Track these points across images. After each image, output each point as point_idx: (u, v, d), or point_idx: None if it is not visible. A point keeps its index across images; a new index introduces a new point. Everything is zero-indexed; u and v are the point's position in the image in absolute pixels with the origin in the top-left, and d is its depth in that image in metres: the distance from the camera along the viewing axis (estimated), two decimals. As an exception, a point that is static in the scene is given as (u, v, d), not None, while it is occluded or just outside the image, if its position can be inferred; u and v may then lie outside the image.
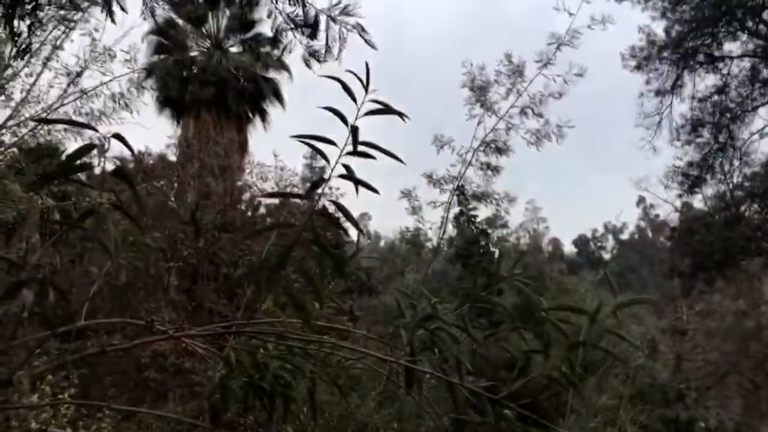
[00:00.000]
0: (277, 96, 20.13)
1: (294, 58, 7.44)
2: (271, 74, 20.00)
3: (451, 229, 25.02)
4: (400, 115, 1.89)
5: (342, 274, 2.56)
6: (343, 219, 1.90)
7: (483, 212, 24.40)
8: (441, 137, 11.39)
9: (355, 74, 1.82)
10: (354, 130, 1.78)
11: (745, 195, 16.84)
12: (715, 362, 25.98)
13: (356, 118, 1.78)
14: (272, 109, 20.19)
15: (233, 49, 20.19)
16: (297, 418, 7.12)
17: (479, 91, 11.15)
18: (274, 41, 17.80)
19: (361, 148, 1.80)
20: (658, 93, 18.90)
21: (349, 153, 1.79)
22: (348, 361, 2.57)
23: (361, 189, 1.83)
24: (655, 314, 30.06)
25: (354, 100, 1.79)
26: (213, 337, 2.38)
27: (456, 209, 22.14)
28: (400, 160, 1.86)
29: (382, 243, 47.40)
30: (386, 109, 1.86)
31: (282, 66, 19.80)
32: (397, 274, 30.53)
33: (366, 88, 1.79)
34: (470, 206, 20.87)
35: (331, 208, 1.95)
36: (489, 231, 31.90)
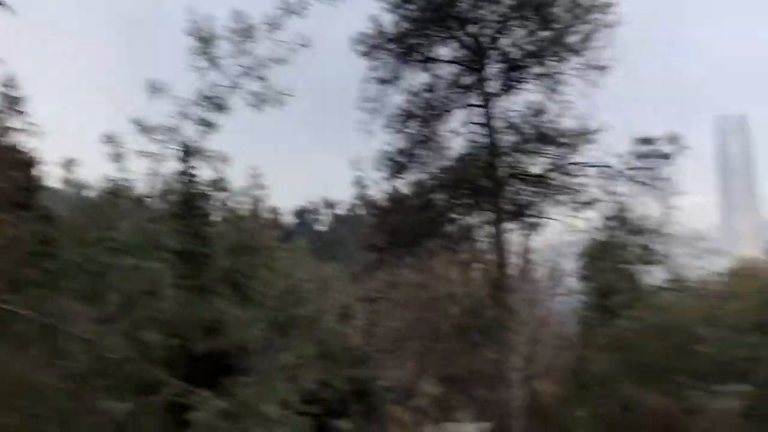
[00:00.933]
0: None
1: None
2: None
3: (166, 185, 23.84)
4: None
5: None
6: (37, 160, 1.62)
7: (205, 173, 23.68)
8: (155, 83, 10.59)
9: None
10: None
11: (436, 184, 19.09)
12: (398, 329, 29.17)
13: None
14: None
15: None
16: None
17: (204, 43, 10.68)
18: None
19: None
20: (381, 81, 20.34)
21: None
22: None
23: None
24: (355, 284, 32.63)
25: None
26: None
27: (175, 166, 21.14)
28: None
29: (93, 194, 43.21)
30: None
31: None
32: (101, 228, 28.15)
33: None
34: (190, 164, 20.14)
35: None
36: (209, 192, 31.19)
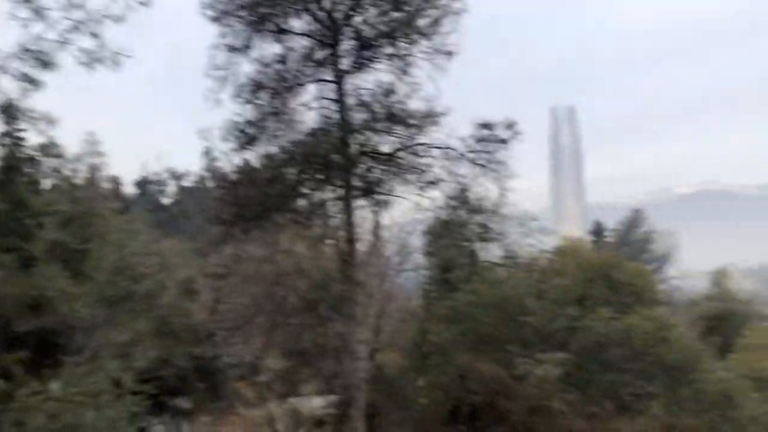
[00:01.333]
0: None
1: None
2: None
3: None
4: None
5: None
6: None
7: (33, 137, 21.47)
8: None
9: None
10: None
11: (287, 158, 18.83)
12: (245, 304, 28.65)
13: None
14: None
15: None
16: None
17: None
18: None
19: None
20: (230, 49, 19.54)
21: None
22: None
23: None
24: (202, 258, 31.52)
25: None
26: None
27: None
28: None
29: None
30: None
31: None
32: None
33: None
34: (12, 125, 18.09)
35: None
36: (37, 158, 28.38)
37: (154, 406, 15.08)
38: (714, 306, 42.55)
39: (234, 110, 19.26)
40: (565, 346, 23.40)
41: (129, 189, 55.79)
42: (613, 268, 26.16)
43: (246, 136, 19.36)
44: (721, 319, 41.53)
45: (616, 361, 22.67)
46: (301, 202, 20.19)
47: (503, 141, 20.42)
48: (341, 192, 20.08)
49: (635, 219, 67.59)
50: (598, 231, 62.59)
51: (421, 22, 18.93)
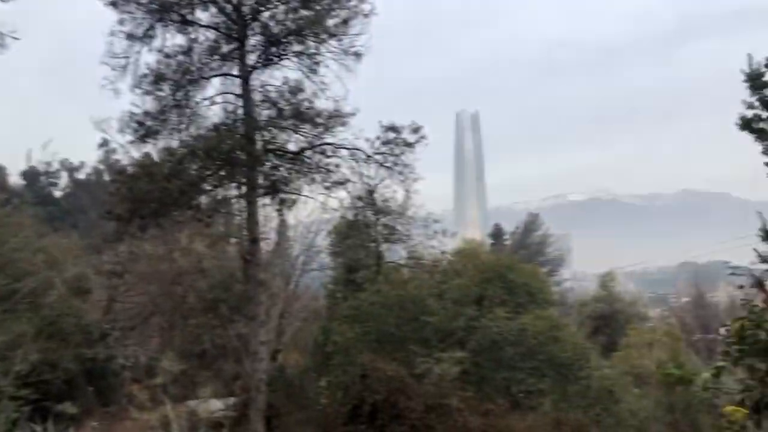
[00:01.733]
0: None
1: None
2: None
3: None
4: None
5: None
6: None
7: None
8: None
9: None
10: None
11: (188, 153, 18.18)
12: (142, 303, 27.46)
13: None
14: None
15: None
16: None
17: None
18: None
19: None
20: (130, 36, 18.64)
21: None
22: None
23: None
24: (94, 256, 29.88)
25: None
26: None
27: None
28: None
29: None
30: None
31: None
32: None
33: None
34: None
35: None
36: None
37: (36, 412, 14.04)
38: (601, 307, 45.18)
39: (133, 101, 18.39)
40: (463, 345, 24.05)
41: (15, 180, 52.00)
42: (510, 269, 27.18)
43: (145, 129, 18.52)
44: (607, 320, 44.23)
45: (511, 360, 23.55)
46: (203, 199, 19.57)
47: (409, 144, 20.72)
48: (245, 190, 19.64)
49: (531, 223, 70.82)
50: (497, 234, 64.97)
51: (330, 22, 18.84)
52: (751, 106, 13.47)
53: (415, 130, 20.45)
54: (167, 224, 19.73)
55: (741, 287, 4.08)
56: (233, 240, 30.46)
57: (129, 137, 18.48)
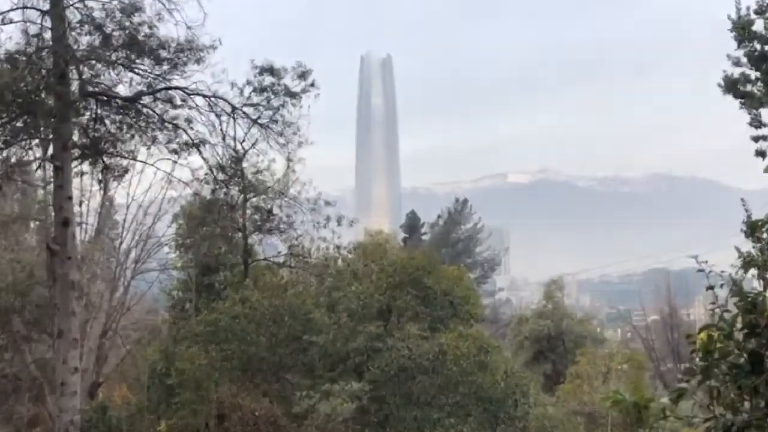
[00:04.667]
0: None
1: None
2: None
3: None
4: None
5: None
6: None
7: None
8: None
9: None
10: None
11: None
12: None
13: None
14: None
15: None
16: None
17: None
18: None
19: None
20: None
21: None
22: None
23: None
24: None
25: None
26: None
27: None
28: None
29: None
30: None
31: None
32: None
33: None
34: None
35: None
36: None
37: None
38: (544, 325, 47.06)
39: None
40: (361, 374, 24.40)
41: None
42: (427, 273, 27.75)
43: None
44: (552, 342, 46.18)
45: (425, 393, 24.13)
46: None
47: (293, 94, 20.71)
48: (52, 150, 18.94)
49: (458, 212, 72.53)
50: (411, 225, 66.17)
51: None
52: (737, 63, 14.47)
53: (302, 75, 20.49)
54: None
55: (715, 307, 4.37)
56: (33, 223, 29.30)
57: None
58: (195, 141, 19.97)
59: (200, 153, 20.28)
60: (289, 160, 23.16)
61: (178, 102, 19.58)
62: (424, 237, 65.53)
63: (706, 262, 5.21)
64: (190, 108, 19.69)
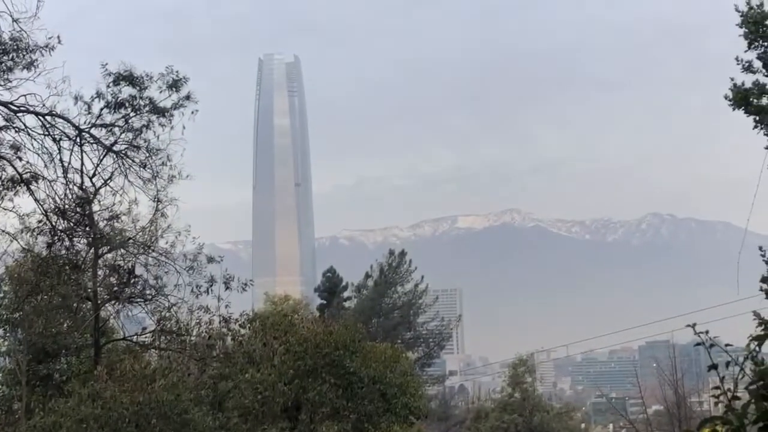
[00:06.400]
0: None
1: None
2: None
3: None
4: None
5: None
6: None
7: None
8: None
9: None
10: None
11: None
12: None
13: None
14: None
15: None
16: None
17: None
18: None
19: None
20: None
21: None
22: None
23: None
24: None
25: None
26: None
27: None
28: None
29: None
30: None
31: None
32: None
33: None
34: None
35: None
36: None
37: None
38: (511, 421, 47.28)
39: None
40: None
41: None
42: (351, 353, 27.63)
43: None
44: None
45: None
46: None
47: (162, 111, 20.53)
48: None
49: (395, 269, 72.42)
50: (330, 287, 65.97)
51: None
52: (749, 68, 14.68)
53: (173, 84, 20.32)
54: None
55: (720, 394, 4.29)
56: None
57: None
58: (24, 176, 19.63)
59: (31, 193, 19.92)
60: (156, 200, 22.81)
61: (0, 122, 19.27)
62: (347, 303, 65.38)
63: (707, 332, 5.15)
64: (18, 130, 19.36)
